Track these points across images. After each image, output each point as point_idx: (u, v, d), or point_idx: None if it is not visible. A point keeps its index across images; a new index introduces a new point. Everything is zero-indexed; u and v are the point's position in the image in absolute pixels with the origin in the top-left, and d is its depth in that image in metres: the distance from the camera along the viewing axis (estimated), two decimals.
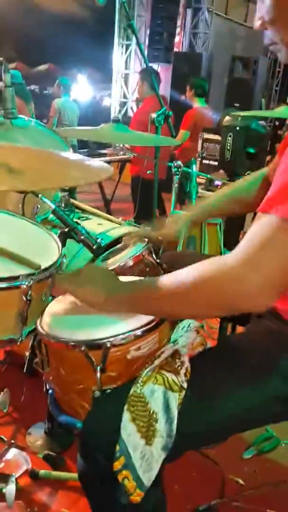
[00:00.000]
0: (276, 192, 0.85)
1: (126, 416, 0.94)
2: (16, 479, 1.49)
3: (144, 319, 1.05)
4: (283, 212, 0.82)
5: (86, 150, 5.47)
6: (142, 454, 0.92)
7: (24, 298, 1.22)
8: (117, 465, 0.92)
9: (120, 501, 0.94)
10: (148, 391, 0.95)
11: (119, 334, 1.02)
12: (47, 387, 1.22)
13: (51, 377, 1.18)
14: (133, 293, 1.03)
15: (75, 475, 1.65)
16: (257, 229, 0.86)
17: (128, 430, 0.93)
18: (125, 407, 0.94)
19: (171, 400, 0.95)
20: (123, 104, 9.33)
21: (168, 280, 0.96)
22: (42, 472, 1.66)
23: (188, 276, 0.92)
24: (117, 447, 0.92)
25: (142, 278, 1.31)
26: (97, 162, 1.30)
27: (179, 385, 0.96)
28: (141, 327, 1.03)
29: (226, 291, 0.87)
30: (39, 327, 1.12)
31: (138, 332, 1.02)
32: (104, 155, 5.34)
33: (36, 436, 1.84)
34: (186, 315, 1.09)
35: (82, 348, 1.01)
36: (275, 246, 0.83)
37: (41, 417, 1.87)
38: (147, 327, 1.03)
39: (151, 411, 0.94)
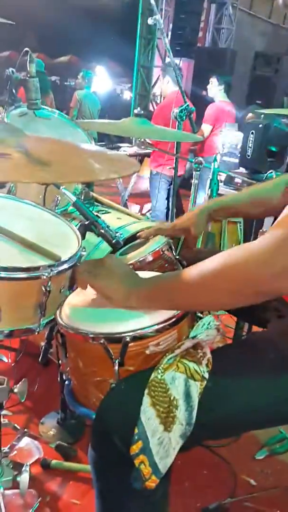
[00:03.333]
0: None
1: (146, 400, 0.93)
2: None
3: (164, 315, 1.04)
4: None
5: (104, 142, 5.47)
6: (160, 440, 0.92)
7: (43, 289, 1.23)
8: (135, 448, 0.91)
9: (132, 487, 0.93)
10: (169, 377, 0.95)
11: (139, 329, 1.01)
12: (64, 377, 1.22)
13: (68, 368, 1.18)
14: (155, 287, 1.02)
15: (86, 466, 1.66)
16: None
17: (148, 414, 0.92)
18: (146, 391, 0.94)
19: (192, 388, 0.94)
20: (143, 98, 9.31)
21: (191, 270, 0.95)
22: (53, 462, 1.67)
23: (213, 264, 0.91)
24: (136, 430, 0.91)
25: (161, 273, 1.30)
26: (123, 157, 1.29)
27: (201, 375, 0.96)
28: (161, 322, 1.02)
29: (252, 274, 0.85)
30: (58, 318, 1.12)
31: (158, 328, 1.01)
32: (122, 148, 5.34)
33: (49, 426, 1.86)
34: (211, 306, 1.08)
35: (101, 341, 1.01)
36: None
37: (55, 407, 1.88)
38: (167, 323, 1.02)
39: (172, 398, 0.93)
